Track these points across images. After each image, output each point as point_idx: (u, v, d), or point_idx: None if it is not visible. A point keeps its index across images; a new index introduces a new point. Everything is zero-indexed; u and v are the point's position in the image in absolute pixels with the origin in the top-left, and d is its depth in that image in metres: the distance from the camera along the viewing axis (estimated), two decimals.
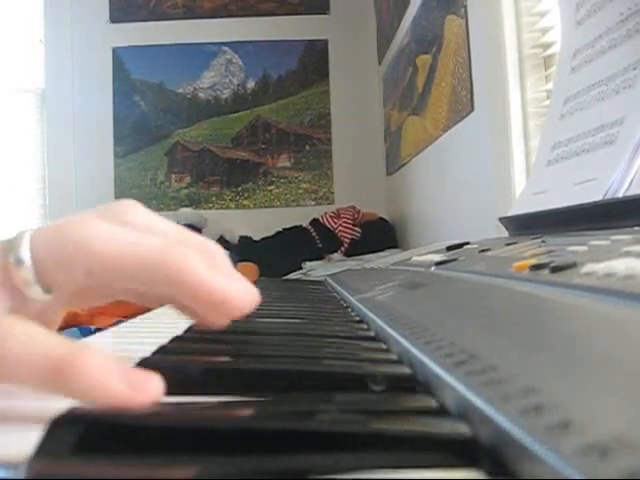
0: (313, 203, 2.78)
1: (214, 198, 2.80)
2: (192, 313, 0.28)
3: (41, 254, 0.24)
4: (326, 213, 2.49)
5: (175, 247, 0.24)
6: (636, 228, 0.42)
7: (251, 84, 2.85)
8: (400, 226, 2.36)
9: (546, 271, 0.31)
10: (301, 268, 2.17)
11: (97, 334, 0.45)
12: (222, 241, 2.52)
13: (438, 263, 0.54)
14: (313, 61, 2.84)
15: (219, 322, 0.27)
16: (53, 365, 0.20)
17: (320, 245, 2.38)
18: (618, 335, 0.19)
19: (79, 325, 1.34)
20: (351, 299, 0.54)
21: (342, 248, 2.38)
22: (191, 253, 0.24)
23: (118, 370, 0.20)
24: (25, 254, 0.24)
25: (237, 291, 0.25)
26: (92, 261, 0.24)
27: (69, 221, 0.25)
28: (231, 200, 2.80)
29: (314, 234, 2.41)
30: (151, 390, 0.20)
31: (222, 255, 0.28)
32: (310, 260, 2.23)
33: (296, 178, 2.81)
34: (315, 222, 2.47)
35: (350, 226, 2.42)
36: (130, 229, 0.25)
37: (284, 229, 2.47)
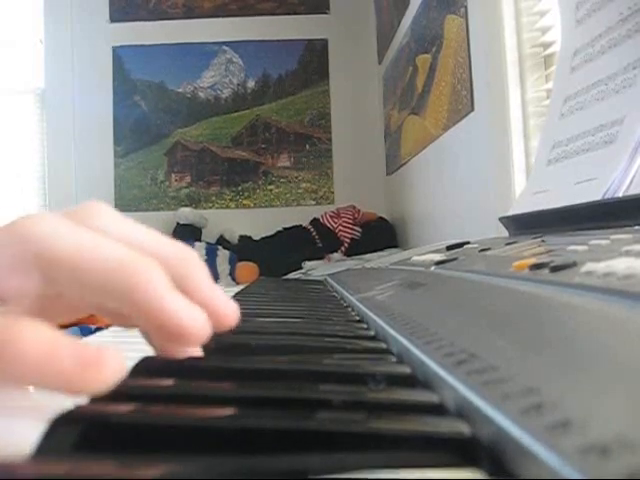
0: (313, 203, 2.78)
1: (214, 198, 2.80)
2: (151, 340, 0.24)
3: None
4: (326, 213, 2.49)
5: (136, 259, 0.21)
6: (636, 227, 0.42)
7: (251, 84, 2.85)
8: (400, 226, 2.36)
9: (546, 270, 0.31)
10: (301, 268, 2.17)
11: (97, 333, 0.45)
12: (222, 241, 2.52)
13: (438, 263, 0.54)
14: (313, 61, 2.84)
15: (174, 351, 0.23)
16: None
17: (320, 245, 2.38)
18: (618, 335, 0.19)
19: (79, 324, 1.34)
20: (351, 299, 0.54)
21: (342, 248, 2.38)
22: (152, 269, 0.21)
23: (67, 344, 0.18)
24: None
25: (193, 320, 0.21)
26: (42, 261, 0.21)
27: (22, 219, 0.22)
28: (231, 200, 2.80)
29: (314, 234, 2.41)
30: (108, 371, 0.18)
31: (198, 267, 0.24)
32: (310, 260, 2.23)
33: (296, 178, 2.80)
34: (315, 222, 2.47)
35: (350, 226, 2.42)
36: (92, 232, 0.22)
37: (284, 229, 2.47)
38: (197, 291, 0.23)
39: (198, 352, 0.25)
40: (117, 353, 0.19)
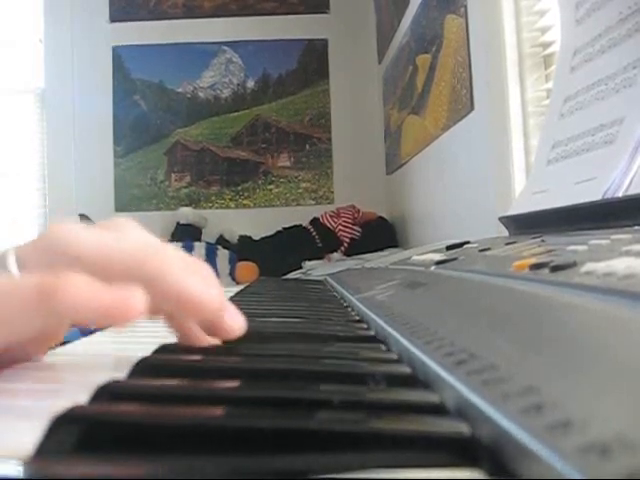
0: (313, 203, 2.78)
1: (214, 197, 2.80)
2: (176, 325, 0.29)
3: (29, 263, 0.25)
4: (326, 212, 2.49)
5: (158, 252, 0.26)
6: (636, 227, 0.42)
7: (251, 83, 2.85)
8: (400, 225, 2.36)
9: (546, 270, 0.31)
10: (301, 267, 2.17)
11: (97, 333, 0.45)
12: (222, 240, 2.52)
13: (438, 262, 0.54)
14: (313, 61, 2.84)
15: (195, 338, 0.28)
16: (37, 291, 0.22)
17: (320, 244, 2.38)
18: (618, 335, 0.19)
19: (79, 325, 1.34)
20: (351, 298, 0.54)
21: (342, 247, 2.38)
22: (173, 259, 0.26)
23: (102, 287, 0.22)
24: (12, 267, 0.24)
25: (213, 296, 0.26)
26: (77, 263, 0.24)
27: (55, 228, 0.26)
28: (231, 199, 2.80)
29: (314, 233, 2.41)
30: (135, 305, 0.22)
31: (208, 271, 0.29)
32: (310, 259, 2.23)
33: (296, 178, 2.80)
34: (315, 221, 2.47)
35: (350, 225, 2.42)
36: (116, 234, 0.27)
37: (284, 228, 2.47)
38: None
39: (217, 341, 0.29)
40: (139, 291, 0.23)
